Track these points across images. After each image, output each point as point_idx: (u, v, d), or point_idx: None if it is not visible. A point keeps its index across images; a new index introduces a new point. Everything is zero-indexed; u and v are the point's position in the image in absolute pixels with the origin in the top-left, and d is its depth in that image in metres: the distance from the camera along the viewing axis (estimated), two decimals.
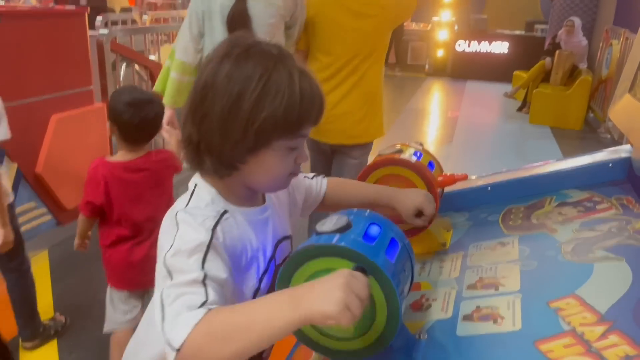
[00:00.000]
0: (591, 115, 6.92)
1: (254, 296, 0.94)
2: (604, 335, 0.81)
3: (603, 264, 1.00)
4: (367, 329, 0.84)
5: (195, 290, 0.75)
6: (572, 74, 7.03)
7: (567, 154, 5.50)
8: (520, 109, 7.41)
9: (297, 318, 0.70)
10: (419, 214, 1.13)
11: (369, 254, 0.80)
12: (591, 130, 6.53)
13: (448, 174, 1.29)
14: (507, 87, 8.50)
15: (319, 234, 0.87)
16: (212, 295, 0.76)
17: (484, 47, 10.10)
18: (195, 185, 0.92)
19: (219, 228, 0.86)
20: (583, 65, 7.16)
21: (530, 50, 9.34)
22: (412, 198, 1.13)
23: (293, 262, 0.84)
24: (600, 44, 7.06)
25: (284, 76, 0.84)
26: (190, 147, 0.88)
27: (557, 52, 6.96)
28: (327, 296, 0.69)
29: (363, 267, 0.80)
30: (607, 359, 0.76)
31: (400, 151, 1.29)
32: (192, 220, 0.84)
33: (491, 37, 10.09)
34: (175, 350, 0.71)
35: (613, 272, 0.97)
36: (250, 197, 0.96)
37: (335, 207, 1.19)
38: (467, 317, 0.97)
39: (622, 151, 1.38)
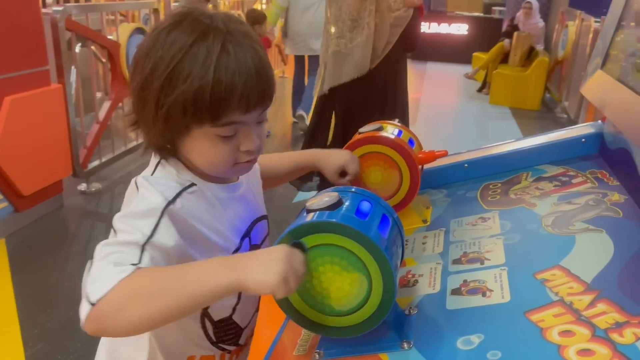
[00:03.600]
0: (547, 95, 7.10)
1: None
2: (592, 304, 0.83)
3: (584, 235, 1.02)
4: (362, 304, 0.83)
5: (129, 251, 0.72)
6: (530, 55, 7.19)
7: (527, 133, 5.64)
8: (480, 90, 7.55)
9: (230, 282, 0.69)
10: (343, 173, 1.16)
11: (363, 229, 0.80)
12: (548, 110, 6.71)
13: (428, 151, 1.29)
14: (467, 68, 8.63)
15: (310, 211, 0.86)
16: (146, 262, 0.72)
17: (443, 28, 10.19)
18: (160, 158, 0.88)
19: (179, 199, 0.82)
20: (540, 47, 7.33)
21: (489, 32, 9.50)
22: (335, 158, 1.16)
23: (287, 240, 0.82)
24: (556, 26, 7.23)
25: (202, 54, 0.77)
26: (141, 128, 0.85)
27: (516, 33, 7.10)
28: (267, 267, 0.70)
29: (301, 243, 0.79)
30: (598, 326, 0.77)
31: (380, 129, 1.29)
32: (151, 188, 0.81)
33: (451, 19, 10.19)
34: (91, 305, 0.67)
35: (595, 243, 0.99)
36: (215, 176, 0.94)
37: (270, 182, 1.18)
38: (456, 291, 0.97)
39: (594, 126, 1.41)
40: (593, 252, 0.96)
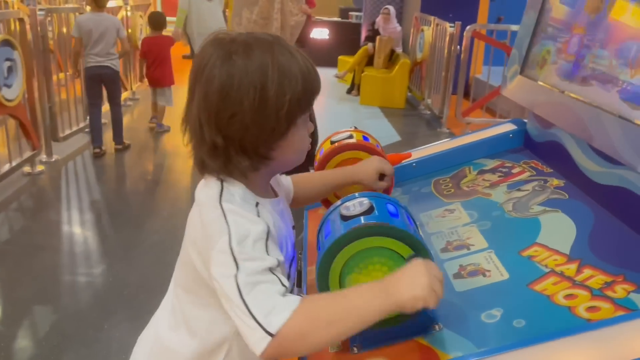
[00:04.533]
0: (409, 94, 7.72)
1: None
2: (579, 271, 1.01)
3: (545, 216, 1.22)
4: None
5: (270, 279, 0.79)
6: (392, 57, 7.75)
7: (398, 129, 6.11)
8: (349, 92, 7.95)
9: (390, 305, 0.79)
10: (381, 176, 1.25)
11: (404, 227, 0.90)
12: (412, 108, 7.30)
13: (394, 154, 1.42)
14: (333, 71, 9.03)
15: (344, 217, 0.94)
16: (285, 281, 0.80)
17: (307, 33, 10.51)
18: (222, 181, 0.89)
19: (262, 217, 0.87)
20: (399, 50, 7.93)
21: (349, 36, 10.05)
22: (371, 165, 1.25)
23: (338, 244, 0.89)
24: (412, 30, 7.87)
25: (288, 57, 0.87)
26: (217, 153, 0.86)
27: (378, 37, 7.61)
28: (415, 282, 0.80)
29: (418, 254, 0.89)
30: (593, 287, 0.96)
31: (351, 136, 1.39)
32: (241, 210, 0.85)
33: (313, 24, 10.55)
34: (271, 336, 0.74)
35: (556, 222, 1.19)
36: (268, 189, 0.98)
37: (306, 201, 1.26)
38: (457, 276, 1.11)
39: (517, 124, 1.65)
40: (559, 229, 1.16)
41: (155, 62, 5.20)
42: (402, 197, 1.55)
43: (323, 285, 0.93)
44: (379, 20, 7.90)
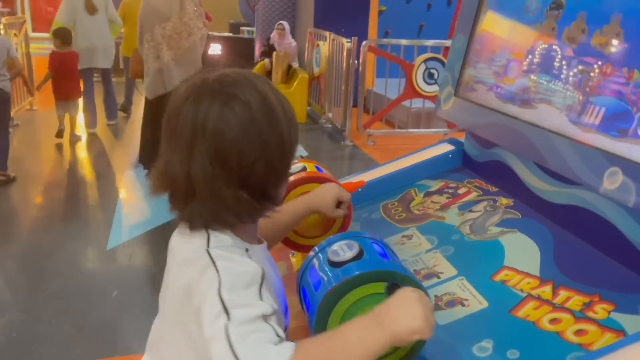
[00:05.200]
0: (309, 108, 7.79)
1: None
2: (555, 293, 1.03)
3: (505, 237, 1.25)
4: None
5: (263, 328, 0.72)
6: (289, 72, 7.78)
7: (305, 144, 6.12)
8: None
9: (387, 337, 0.74)
10: (338, 204, 1.21)
11: (401, 270, 0.87)
12: (314, 122, 7.37)
13: (347, 182, 1.39)
14: None
15: (335, 264, 0.89)
16: (278, 329, 0.74)
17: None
18: (207, 231, 0.82)
19: (254, 261, 0.81)
20: (296, 64, 7.98)
21: (242, 51, 9.96)
22: (329, 193, 1.20)
23: (336, 295, 0.83)
24: (307, 45, 7.97)
25: (273, 91, 0.84)
26: (240, 206, 0.80)
27: (274, 53, 7.60)
28: (410, 313, 0.75)
29: (397, 284, 0.85)
30: (573, 309, 0.98)
31: (305, 168, 1.33)
32: (231, 255, 0.79)
33: (209, 40, 10.33)
34: None
35: (517, 242, 1.22)
36: (256, 235, 0.90)
37: (274, 241, 1.19)
38: (436, 307, 1.09)
39: (454, 144, 1.69)
40: (522, 250, 1.19)
41: (66, 77, 5.33)
42: (354, 224, 1.51)
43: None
44: (274, 35, 7.90)
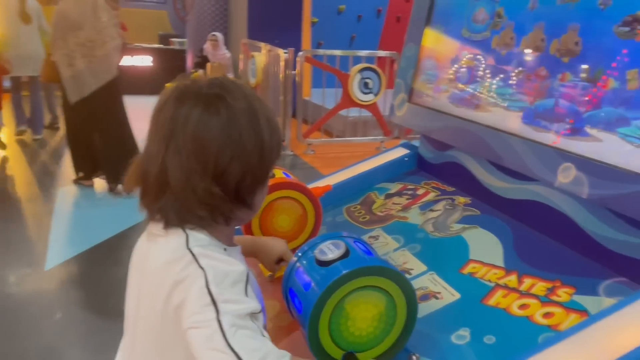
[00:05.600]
0: None
1: None
2: (520, 281, 1.11)
3: (467, 233, 1.32)
4: (388, 333, 0.93)
5: (251, 326, 0.75)
6: None
7: None
8: None
9: None
10: (279, 260, 1.21)
11: (386, 264, 0.91)
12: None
13: (314, 187, 1.42)
14: None
15: (323, 263, 0.92)
16: (263, 330, 0.76)
17: (127, 61, 9.98)
18: (185, 229, 0.83)
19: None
20: (231, 76, 7.95)
21: (174, 63, 9.79)
22: (273, 249, 1.20)
23: (334, 287, 0.87)
24: (241, 56, 7.95)
25: (260, 101, 0.87)
26: (211, 202, 0.81)
27: (208, 64, 7.54)
28: None
29: (352, 353, 0.90)
30: (538, 294, 1.06)
31: (273, 175, 1.35)
32: (214, 254, 0.80)
33: (133, 51, 10.06)
34: None
35: (480, 237, 1.30)
36: (232, 239, 0.92)
37: None
38: None
39: (409, 147, 1.77)
40: (485, 244, 1.27)
41: None
42: (321, 228, 1.54)
43: (313, 332, 0.89)
44: (208, 46, 7.84)
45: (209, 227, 0.84)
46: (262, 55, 6.93)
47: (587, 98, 1.10)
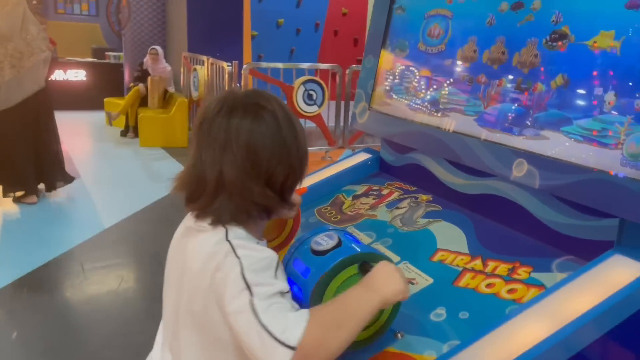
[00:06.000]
0: (190, 132, 7.72)
1: None
2: (485, 264, 1.26)
3: (432, 226, 1.46)
4: (381, 311, 1.05)
5: (281, 301, 0.86)
6: (165, 97, 7.67)
7: None
8: (124, 134, 7.59)
9: (377, 299, 0.92)
10: None
11: (379, 252, 1.03)
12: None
13: None
14: (96, 115, 8.50)
15: (320, 252, 1.02)
16: (293, 303, 0.89)
17: (59, 75, 9.67)
18: (225, 224, 0.94)
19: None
20: (172, 89, 7.89)
21: (111, 77, 9.60)
22: None
23: (331, 273, 0.97)
24: (182, 69, 7.92)
25: (288, 108, 0.99)
26: (266, 200, 0.94)
27: (149, 78, 7.45)
28: (392, 279, 0.95)
29: (367, 262, 1.01)
30: (502, 274, 1.21)
31: None
32: (249, 244, 0.92)
33: (66, 66, 9.77)
34: (293, 349, 0.80)
35: (445, 229, 1.44)
36: (261, 233, 1.02)
37: None
38: None
39: (370, 152, 1.90)
40: (450, 235, 1.41)
41: None
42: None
43: None
44: (147, 60, 7.73)
45: (246, 223, 0.95)
46: (204, 68, 6.95)
47: (534, 101, 1.27)
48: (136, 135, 7.27)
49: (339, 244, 1.02)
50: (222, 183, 0.91)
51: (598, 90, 1.14)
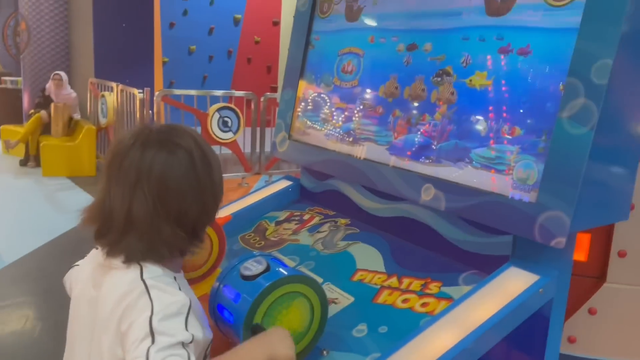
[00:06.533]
0: (97, 161, 7.43)
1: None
2: (400, 282, 1.37)
3: (351, 248, 1.56)
4: (309, 330, 1.12)
5: (179, 352, 0.85)
6: (70, 124, 7.34)
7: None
8: (24, 164, 7.17)
9: (269, 355, 0.96)
10: None
11: (306, 275, 1.11)
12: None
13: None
14: None
15: (249, 277, 1.08)
16: (192, 356, 0.86)
17: None
18: (140, 264, 0.94)
19: (182, 291, 0.94)
20: (78, 116, 7.57)
21: (8, 103, 9.06)
22: None
23: (261, 297, 1.03)
24: (88, 95, 7.65)
25: (206, 144, 1.02)
26: (174, 239, 0.93)
27: (53, 105, 7.12)
28: (286, 342, 1.00)
29: (258, 324, 1.07)
30: (416, 290, 1.32)
31: None
32: (163, 286, 0.90)
33: None
34: None
35: (363, 251, 1.54)
36: (180, 266, 1.03)
37: None
38: None
39: (291, 179, 1.99)
40: (368, 256, 1.51)
41: None
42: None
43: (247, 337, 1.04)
44: (50, 86, 7.40)
45: (163, 260, 0.95)
46: (113, 94, 6.76)
47: (438, 133, 1.41)
48: (38, 164, 6.89)
49: (267, 269, 1.09)
50: (131, 220, 0.90)
51: (491, 123, 1.30)
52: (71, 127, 7.30)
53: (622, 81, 1.12)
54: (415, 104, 1.49)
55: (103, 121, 7.07)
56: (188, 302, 0.90)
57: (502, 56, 1.30)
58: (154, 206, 0.90)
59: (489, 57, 1.32)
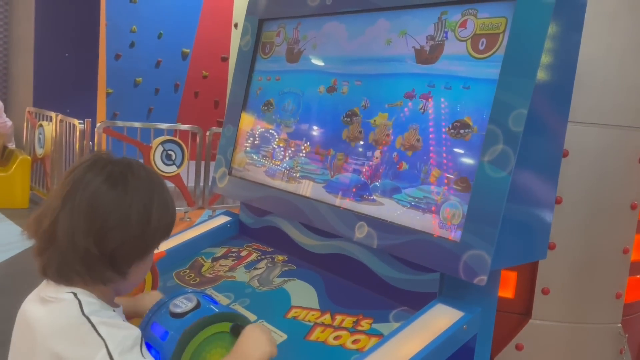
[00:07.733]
0: (31, 192, 7.12)
1: None
2: (333, 318, 1.39)
3: (287, 285, 1.57)
4: None
5: None
6: (4, 154, 7.05)
7: None
8: None
9: None
10: None
11: (237, 312, 1.11)
12: (39, 206, 6.75)
13: None
14: None
15: (178, 315, 1.07)
16: None
17: None
18: (75, 294, 0.92)
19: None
20: (12, 146, 7.28)
21: None
22: (150, 301, 1.26)
23: (189, 335, 1.02)
24: (25, 124, 7.38)
25: (163, 186, 1.02)
26: (88, 261, 0.91)
27: None
28: (260, 342, 1.03)
29: (239, 324, 1.08)
30: (348, 327, 1.34)
31: None
32: (109, 320, 0.90)
33: None
34: None
35: (298, 287, 1.55)
36: (113, 301, 1.02)
37: None
38: None
39: (230, 215, 1.98)
40: (303, 292, 1.52)
41: None
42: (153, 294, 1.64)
43: None
44: None
45: (90, 287, 0.93)
46: (52, 124, 6.56)
47: (371, 173, 1.47)
48: None
49: (197, 306, 1.08)
50: (54, 233, 0.90)
51: (420, 164, 1.37)
52: (5, 157, 7.01)
53: (537, 129, 1.22)
54: (352, 145, 1.55)
55: (40, 151, 6.82)
56: (139, 333, 0.91)
57: (409, 102, 1.41)
58: (77, 219, 0.91)
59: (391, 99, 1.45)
